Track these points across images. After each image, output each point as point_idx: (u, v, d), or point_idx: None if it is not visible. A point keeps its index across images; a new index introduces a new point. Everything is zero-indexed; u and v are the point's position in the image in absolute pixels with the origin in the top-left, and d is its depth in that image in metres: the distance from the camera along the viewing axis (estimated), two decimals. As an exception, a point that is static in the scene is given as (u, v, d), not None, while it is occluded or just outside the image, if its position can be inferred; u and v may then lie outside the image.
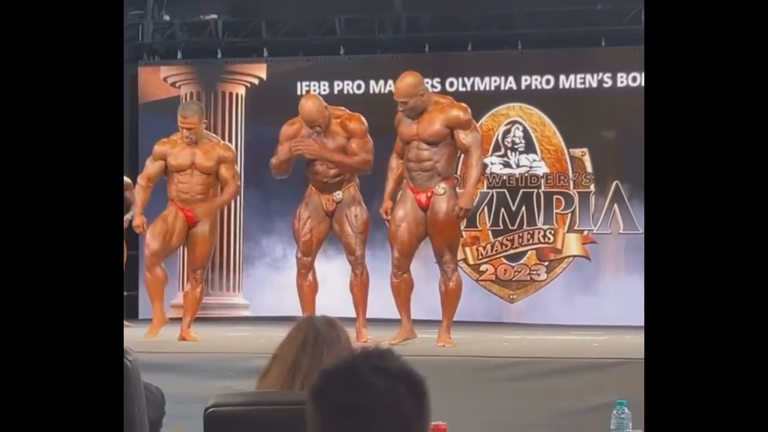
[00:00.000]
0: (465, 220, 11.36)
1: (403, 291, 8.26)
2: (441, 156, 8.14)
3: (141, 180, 8.89)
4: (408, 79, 8.12)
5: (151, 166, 8.85)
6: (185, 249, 9.14)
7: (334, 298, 9.05)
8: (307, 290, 8.61)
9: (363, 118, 8.50)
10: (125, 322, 10.43)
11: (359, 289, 8.49)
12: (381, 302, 8.61)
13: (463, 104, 8.31)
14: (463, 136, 8.10)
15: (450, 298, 8.23)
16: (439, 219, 8.09)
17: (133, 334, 8.46)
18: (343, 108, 8.75)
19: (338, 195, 8.48)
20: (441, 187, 8.12)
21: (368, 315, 8.55)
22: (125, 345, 3.54)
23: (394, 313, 8.45)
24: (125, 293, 11.10)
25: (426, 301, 8.85)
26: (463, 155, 8.46)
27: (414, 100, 8.05)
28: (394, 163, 8.29)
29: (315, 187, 8.55)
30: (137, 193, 8.93)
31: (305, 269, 8.60)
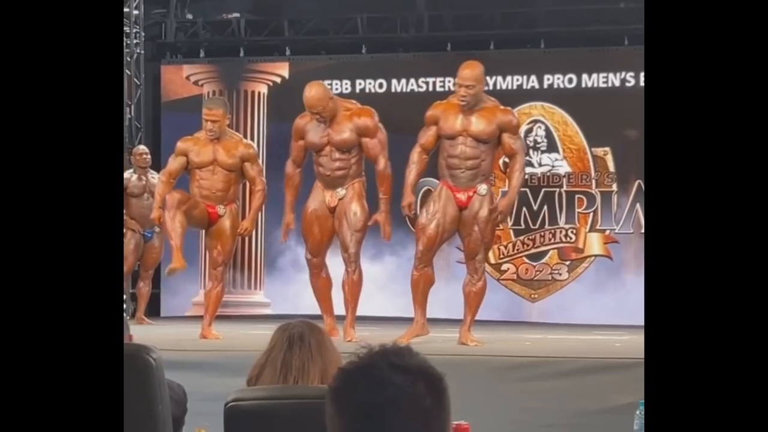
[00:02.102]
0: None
1: (421, 285, 8.14)
2: (487, 156, 8.08)
3: (162, 175, 8.93)
4: (477, 66, 8.07)
5: (173, 162, 8.89)
6: (206, 247, 9.14)
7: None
8: (322, 288, 8.53)
9: (374, 112, 8.34)
10: (148, 320, 10.59)
11: (351, 288, 8.31)
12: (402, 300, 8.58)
13: (510, 108, 8.30)
14: (512, 141, 8.06)
15: (477, 298, 8.15)
16: (479, 219, 8.02)
17: (155, 332, 8.49)
18: (354, 102, 8.67)
19: (341, 191, 8.37)
20: (483, 188, 8.06)
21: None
22: (149, 343, 3.56)
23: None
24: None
25: (446, 299, 8.82)
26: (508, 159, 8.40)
27: (480, 87, 8.02)
28: (417, 156, 8.14)
29: (320, 183, 8.46)
30: (157, 187, 8.99)
31: (317, 269, 8.52)
